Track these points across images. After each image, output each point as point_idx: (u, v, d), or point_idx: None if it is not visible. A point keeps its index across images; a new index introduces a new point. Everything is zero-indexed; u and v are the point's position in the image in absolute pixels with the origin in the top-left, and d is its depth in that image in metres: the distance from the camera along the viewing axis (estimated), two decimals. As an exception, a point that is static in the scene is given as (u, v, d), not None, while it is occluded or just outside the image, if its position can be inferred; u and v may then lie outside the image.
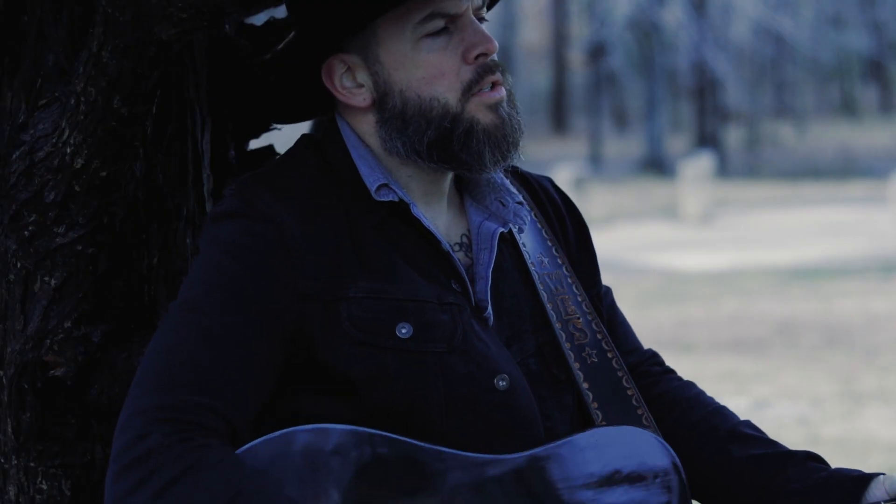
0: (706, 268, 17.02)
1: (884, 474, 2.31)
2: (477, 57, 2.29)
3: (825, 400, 9.52)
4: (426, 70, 2.28)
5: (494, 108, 2.30)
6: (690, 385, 2.52)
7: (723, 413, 2.46)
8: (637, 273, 16.52)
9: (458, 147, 2.29)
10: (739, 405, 9.08)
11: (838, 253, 18.07)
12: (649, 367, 2.53)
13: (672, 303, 14.10)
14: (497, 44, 2.31)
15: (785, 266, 16.82)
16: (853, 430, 8.63)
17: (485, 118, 2.29)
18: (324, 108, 2.40)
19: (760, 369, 10.55)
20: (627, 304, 13.37)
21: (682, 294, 14.72)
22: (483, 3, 2.34)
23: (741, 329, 12.41)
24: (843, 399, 9.53)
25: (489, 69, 2.29)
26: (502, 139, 2.30)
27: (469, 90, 2.28)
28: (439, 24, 2.27)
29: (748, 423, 2.44)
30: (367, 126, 2.34)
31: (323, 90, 2.35)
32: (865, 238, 19.56)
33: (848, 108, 47.69)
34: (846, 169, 32.59)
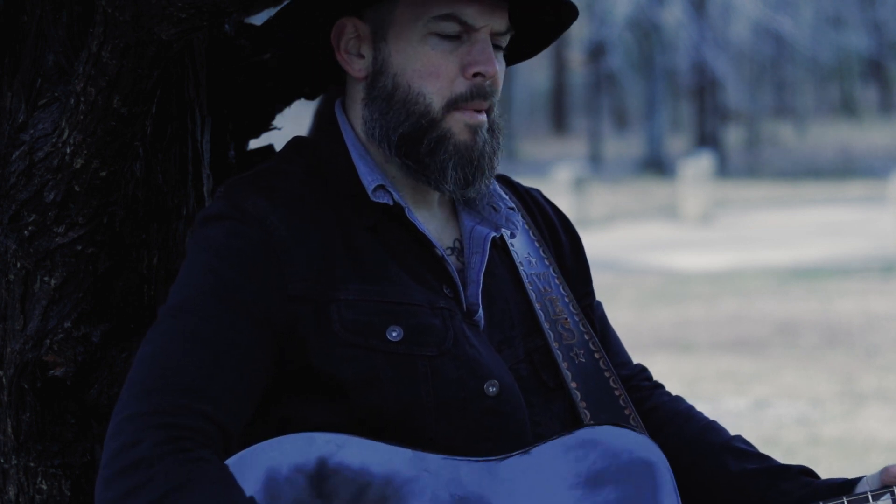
0: (706, 268, 17.02)
1: (866, 475, 2.36)
2: (475, 75, 2.27)
3: (825, 400, 9.52)
4: (424, 64, 2.27)
5: (473, 129, 2.28)
6: (680, 399, 2.54)
7: (715, 428, 2.49)
8: (637, 273, 16.50)
9: (426, 150, 2.28)
10: (739, 405, 9.09)
11: (838, 253, 18.07)
12: (639, 382, 2.54)
13: (672, 303, 14.09)
14: (496, 71, 2.28)
15: (785, 266, 16.82)
16: (853, 430, 8.63)
17: (460, 134, 2.28)
18: (324, 85, 2.39)
19: (760, 369, 10.54)
20: (627, 304, 13.44)
21: (682, 294, 14.71)
22: (506, 31, 2.32)
23: (741, 329, 12.40)
24: (843, 399, 9.53)
25: (483, 93, 2.28)
26: (469, 162, 2.28)
27: (455, 103, 2.27)
28: (454, 27, 2.27)
29: (740, 438, 2.47)
30: (357, 103, 2.34)
31: (326, 65, 2.34)
32: (865, 238, 19.56)
33: (848, 108, 47.71)
34: (846, 169, 32.60)
